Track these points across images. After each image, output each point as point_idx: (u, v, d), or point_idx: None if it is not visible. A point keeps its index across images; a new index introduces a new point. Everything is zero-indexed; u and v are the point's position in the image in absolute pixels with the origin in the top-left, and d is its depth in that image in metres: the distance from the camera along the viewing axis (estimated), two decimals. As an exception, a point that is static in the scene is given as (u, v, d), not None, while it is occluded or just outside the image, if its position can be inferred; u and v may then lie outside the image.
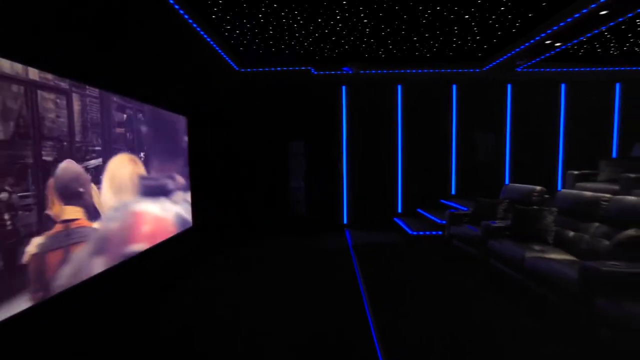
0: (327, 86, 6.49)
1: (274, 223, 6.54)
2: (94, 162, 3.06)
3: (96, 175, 3.10)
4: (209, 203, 6.12)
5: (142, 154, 4.00)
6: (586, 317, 2.33)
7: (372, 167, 6.61)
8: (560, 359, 2.23)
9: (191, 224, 5.49)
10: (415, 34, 4.71)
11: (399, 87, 6.50)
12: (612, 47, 5.25)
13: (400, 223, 6.07)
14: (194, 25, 4.02)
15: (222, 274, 4.07)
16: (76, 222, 2.78)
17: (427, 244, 5.22)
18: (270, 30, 4.56)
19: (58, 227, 2.58)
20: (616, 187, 4.45)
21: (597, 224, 3.19)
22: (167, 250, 4.55)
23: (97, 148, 3.12)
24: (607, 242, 2.88)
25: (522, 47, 4.80)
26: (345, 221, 6.65)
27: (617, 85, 6.41)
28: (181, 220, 5.10)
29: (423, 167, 6.59)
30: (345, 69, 5.80)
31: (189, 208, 5.44)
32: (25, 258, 2.29)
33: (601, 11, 3.65)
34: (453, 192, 6.62)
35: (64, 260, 2.64)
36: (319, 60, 5.87)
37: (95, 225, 3.01)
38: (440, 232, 5.25)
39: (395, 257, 4.64)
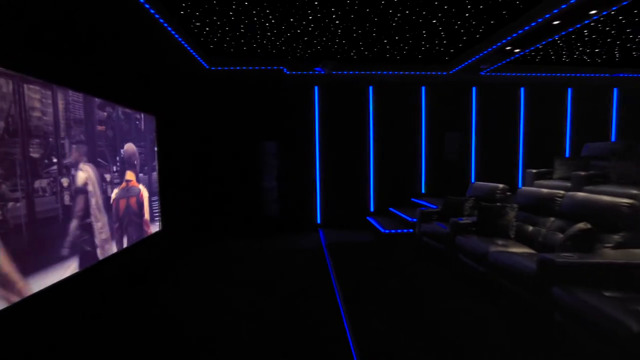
0: (299, 86, 6.49)
1: (247, 224, 6.45)
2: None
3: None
4: (179, 205, 5.93)
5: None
6: (542, 304, 2.50)
7: (345, 166, 6.69)
8: (519, 342, 2.39)
9: (159, 228, 5.30)
10: (386, 36, 4.82)
11: (371, 88, 6.62)
12: (564, 54, 5.66)
13: (373, 222, 6.19)
14: (161, 20, 3.88)
15: (191, 277, 3.96)
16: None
17: (399, 241, 5.36)
18: (242, 28, 4.49)
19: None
20: (569, 184, 4.79)
21: (552, 219, 3.42)
22: (134, 255, 4.36)
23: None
24: (561, 235, 3.10)
25: (485, 52, 5.04)
26: (319, 221, 6.69)
27: (569, 90, 6.90)
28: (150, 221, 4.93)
29: (394, 166, 6.76)
30: (317, 69, 5.82)
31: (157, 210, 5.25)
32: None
33: (554, 21, 3.92)
34: (423, 190, 6.84)
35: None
36: (292, 60, 5.86)
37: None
38: (411, 230, 5.40)
39: (368, 255, 4.73)
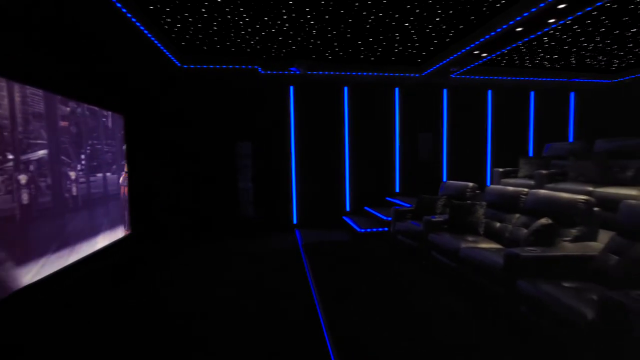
0: (275, 86, 6.44)
1: (222, 225, 6.32)
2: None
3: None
4: (151, 207, 5.72)
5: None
6: (509, 296, 2.63)
7: (321, 167, 6.71)
8: (487, 333, 2.50)
9: (129, 231, 5.09)
10: (360, 37, 4.89)
11: (346, 89, 6.69)
12: (527, 59, 5.98)
13: (349, 221, 6.25)
14: (129, 15, 3.72)
15: (165, 279, 3.83)
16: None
17: (375, 240, 5.45)
18: (215, 26, 4.40)
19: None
20: (532, 182, 5.07)
21: (518, 215, 3.61)
22: (101, 260, 4.17)
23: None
24: (525, 231, 3.27)
25: (455, 55, 5.23)
26: (295, 221, 6.67)
27: (532, 93, 7.30)
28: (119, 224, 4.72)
29: (369, 166, 6.86)
30: (292, 69, 5.80)
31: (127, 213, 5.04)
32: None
33: (517, 28, 4.14)
34: (398, 190, 7.00)
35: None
36: (266, 59, 5.81)
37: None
38: (386, 229, 5.51)
39: (344, 254, 4.78)
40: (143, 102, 5.72)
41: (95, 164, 4.24)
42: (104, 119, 4.45)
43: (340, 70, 6.14)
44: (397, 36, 4.83)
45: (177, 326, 2.77)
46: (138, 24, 3.94)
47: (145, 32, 4.17)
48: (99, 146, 4.35)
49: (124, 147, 5.02)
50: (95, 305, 3.20)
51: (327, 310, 2.96)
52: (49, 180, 3.27)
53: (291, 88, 6.52)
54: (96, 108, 4.20)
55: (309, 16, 4.14)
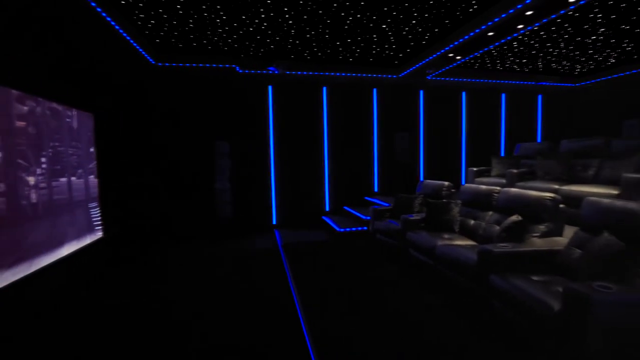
0: (253, 85, 6.38)
1: (200, 226, 6.19)
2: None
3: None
4: (124, 209, 5.52)
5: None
6: (483, 291, 2.73)
7: (300, 167, 6.70)
8: (461, 328, 2.58)
9: (101, 234, 4.89)
10: (339, 38, 4.92)
11: (324, 89, 6.72)
12: (498, 62, 6.23)
13: (328, 221, 6.28)
14: (99, 9, 3.57)
15: (139, 284, 3.70)
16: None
17: (354, 239, 5.50)
18: (191, 23, 4.30)
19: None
20: (504, 180, 5.29)
21: (490, 213, 3.75)
22: (71, 265, 3.97)
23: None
24: (498, 227, 3.40)
25: (430, 57, 5.37)
26: (274, 221, 6.63)
27: (503, 95, 7.61)
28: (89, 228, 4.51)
29: (348, 166, 6.92)
30: (271, 68, 5.77)
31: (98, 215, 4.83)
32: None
33: (489, 32, 4.30)
34: (376, 189, 7.10)
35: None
36: (244, 59, 5.74)
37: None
38: (365, 228, 5.58)
39: (324, 254, 4.79)
40: (115, 101, 5.51)
41: (58, 167, 3.97)
42: (68, 119, 4.21)
43: (319, 70, 6.16)
44: (374, 38, 4.90)
45: (151, 329, 2.69)
46: (109, 18, 3.79)
47: (117, 27, 4.02)
48: (62, 148, 4.06)
49: (92, 149, 4.81)
50: (69, 312, 3.05)
51: (307, 309, 2.96)
52: (2, 187, 3.01)
53: (270, 88, 6.48)
54: (59, 107, 3.97)
55: (287, 16, 4.13)
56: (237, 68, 5.75)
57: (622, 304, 1.84)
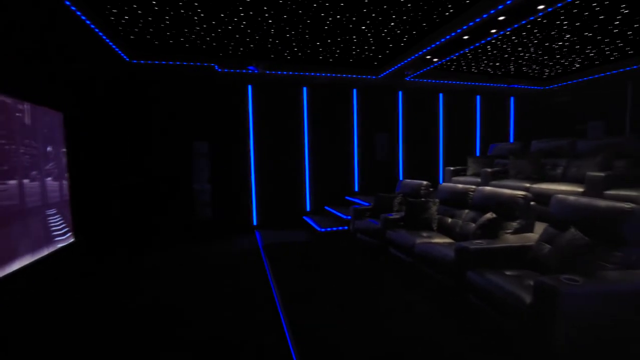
0: (232, 85, 6.29)
1: (178, 229, 6.04)
2: None
3: None
4: (98, 211, 5.30)
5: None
6: (460, 288, 2.81)
7: (280, 167, 6.67)
8: (439, 323, 2.66)
9: (73, 239, 4.68)
10: (318, 38, 4.93)
11: (305, 89, 6.71)
12: (473, 65, 6.44)
13: (309, 221, 6.28)
14: (67, 2, 3.41)
15: (112, 289, 3.57)
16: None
17: (335, 239, 5.53)
18: (167, 20, 4.18)
19: None
20: (479, 179, 5.47)
21: (467, 211, 3.87)
22: (36, 274, 3.78)
23: None
24: (473, 225, 3.52)
25: (409, 59, 5.47)
26: (255, 222, 6.56)
27: (478, 97, 7.87)
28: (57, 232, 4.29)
29: (329, 166, 6.95)
30: (251, 68, 5.70)
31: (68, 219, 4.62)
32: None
33: (464, 36, 4.44)
34: (357, 189, 7.17)
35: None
36: (223, 57, 5.64)
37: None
38: (346, 227, 5.62)
39: (305, 254, 4.79)
40: (87, 99, 5.28)
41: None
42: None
43: (299, 70, 6.15)
44: (354, 39, 4.95)
45: (124, 338, 2.60)
46: (79, 12, 3.62)
47: (87, 22, 3.85)
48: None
49: (64, 149, 4.59)
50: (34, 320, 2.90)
51: (287, 308, 2.95)
52: None
53: (249, 87, 6.41)
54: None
55: (266, 15, 4.10)
56: (216, 67, 5.65)
57: (587, 295, 1.95)
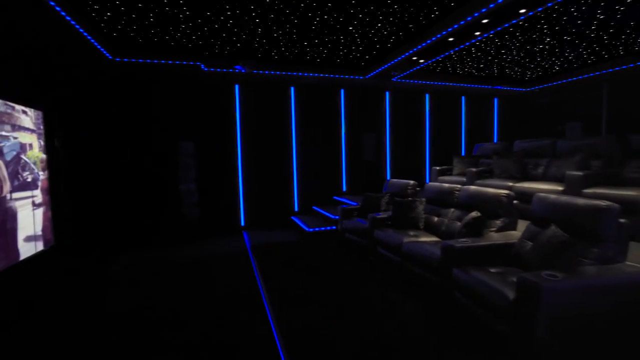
0: (219, 84, 6.22)
1: (164, 230, 5.93)
2: None
3: None
4: (81, 214, 5.16)
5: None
6: (446, 285, 2.87)
7: (268, 167, 6.64)
8: (426, 320, 2.70)
9: (52, 243, 4.53)
10: (306, 38, 4.93)
11: (292, 89, 6.70)
12: (458, 67, 6.56)
13: (298, 221, 6.28)
14: (47, -1, 3.30)
15: (93, 294, 3.48)
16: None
17: (323, 238, 5.54)
18: (151, 18, 4.10)
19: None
20: (464, 179, 5.58)
21: (452, 210, 3.94)
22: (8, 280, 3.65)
23: None
24: (459, 224, 3.59)
25: (395, 60, 5.53)
26: (242, 223, 6.51)
27: (463, 98, 8.03)
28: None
29: (317, 165, 6.96)
30: (237, 67, 5.65)
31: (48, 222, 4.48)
32: None
33: (449, 38, 4.52)
34: (344, 189, 7.20)
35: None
36: (210, 57, 5.57)
37: None
38: (334, 227, 5.63)
39: (293, 254, 4.79)
40: (69, 98, 5.12)
41: None
42: None
43: (286, 70, 6.13)
44: (342, 39, 4.97)
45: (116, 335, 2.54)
46: (58, 8, 3.51)
47: (67, 18, 3.73)
48: None
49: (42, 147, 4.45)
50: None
51: (275, 307, 2.94)
52: None
53: (236, 87, 6.35)
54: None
55: (254, 14, 4.07)
56: (202, 66, 5.57)
57: (566, 290, 2.02)
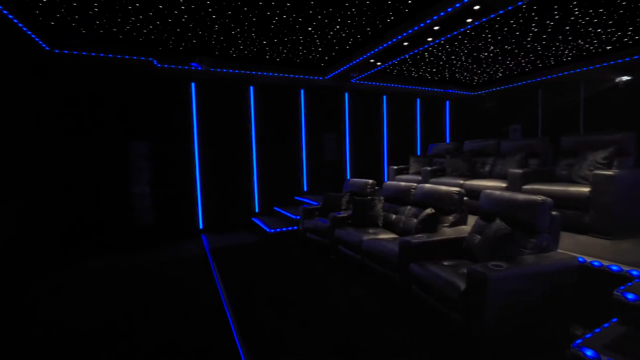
0: (174, 81, 5.93)
1: (116, 235, 5.53)
2: None
3: None
4: (20, 220, 4.63)
5: None
6: (403, 280, 2.99)
7: (227, 167, 6.46)
8: (381, 312, 2.80)
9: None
10: (265, 37, 4.87)
11: (252, 88, 6.58)
12: (413, 70, 6.87)
13: (259, 222, 6.18)
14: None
15: (29, 307, 3.15)
16: None
17: (285, 239, 5.51)
18: (95, 7, 3.80)
19: None
20: (420, 177, 5.85)
21: (409, 207, 4.11)
22: None
23: None
24: (415, 220, 3.75)
25: (354, 62, 5.66)
26: (201, 226, 6.27)
27: (418, 100, 8.42)
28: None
29: (277, 166, 6.91)
30: (193, 64, 5.43)
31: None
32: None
33: (404, 42, 4.71)
34: (305, 189, 7.22)
35: None
36: (163, 52, 5.29)
37: None
38: (296, 227, 5.63)
39: (254, 256, 4.71)
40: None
41: None
42: None
43: (245, 69, 6.01)
44: (301, 39, 4.97)
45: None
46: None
47: (-5, 4, 3.34)
48: None
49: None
50: None
51: (236, 310, 2.88)
52: None
53: (193, 85, 6.10)
54: None
55: (210, 9, 3.94)
56: (155, 62, 5.28)
57: (509, 278, 2.20)
